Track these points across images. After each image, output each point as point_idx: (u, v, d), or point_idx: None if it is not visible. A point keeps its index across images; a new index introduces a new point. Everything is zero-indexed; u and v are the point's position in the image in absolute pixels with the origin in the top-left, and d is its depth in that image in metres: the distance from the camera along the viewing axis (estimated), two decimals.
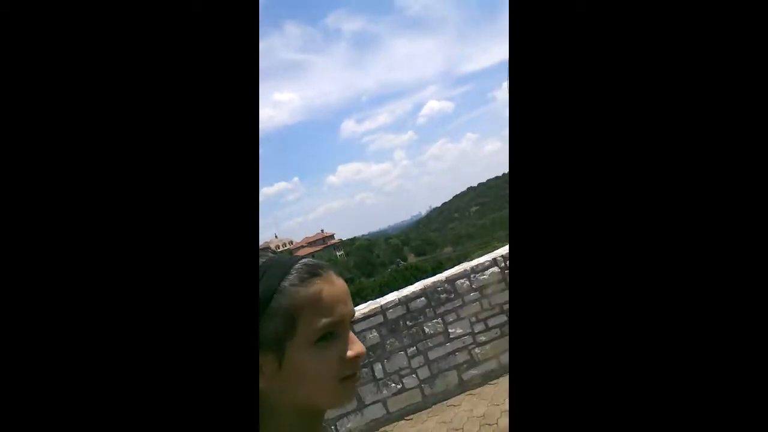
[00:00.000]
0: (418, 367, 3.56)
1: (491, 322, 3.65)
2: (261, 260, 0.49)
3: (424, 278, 4.02)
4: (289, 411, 0.49)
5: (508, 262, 3.58)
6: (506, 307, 3.62)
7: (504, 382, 3.53)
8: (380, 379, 3.50)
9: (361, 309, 3.66)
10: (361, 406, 3.47)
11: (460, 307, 3.65)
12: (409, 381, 3.54)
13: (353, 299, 0.56)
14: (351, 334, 0.53)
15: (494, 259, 3.66)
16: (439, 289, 3.67)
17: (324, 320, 0.50)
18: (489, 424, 3.03)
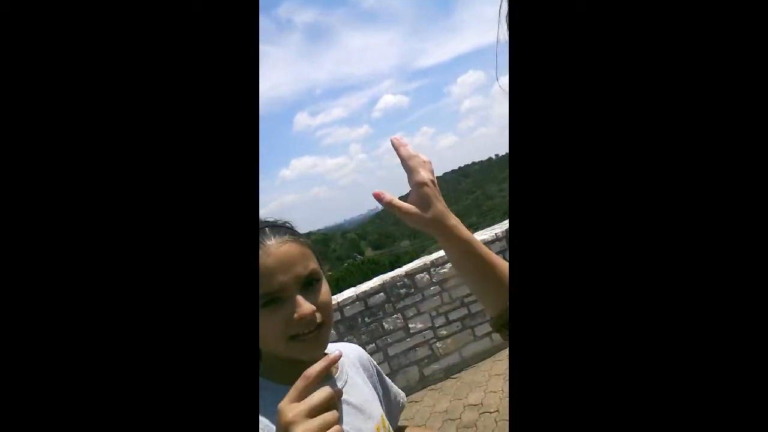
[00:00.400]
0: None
1: (452, 316, 3.59)
2: None
3: (382, 273, 3.91)
4: (269, 357, 0.62)
5: None
6: (467, 300, 3.57)
7: (466, 376, 3.50)
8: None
9: None
10: None
11: (421, 301, 3.57)
12: None
13: None
14: (298, 297, 0.58)
15: None
16: (398, 283, 3.57)
17: (261, 290, 0.57)
18: (452, 419, 2.97)
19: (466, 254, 0.59)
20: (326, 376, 0.51)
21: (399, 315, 3.56)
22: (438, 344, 3.58)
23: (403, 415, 0.86)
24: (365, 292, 3.55)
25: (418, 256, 4.29)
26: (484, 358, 3.57)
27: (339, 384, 0.66)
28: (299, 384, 0.48)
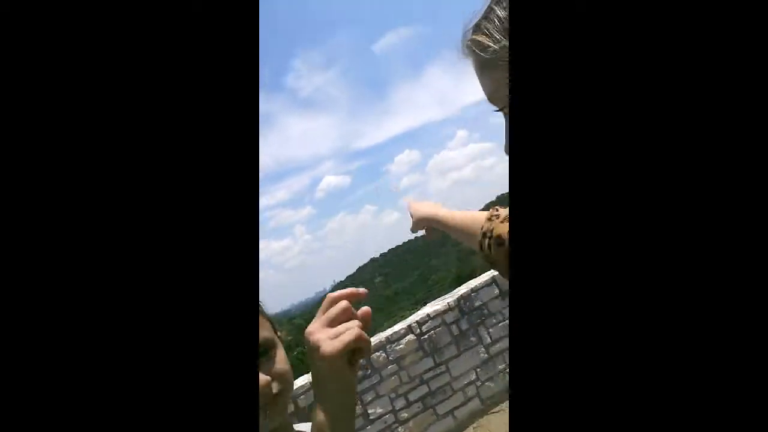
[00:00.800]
0: None
1: (412, 396, 3.42)
2: None
3: None
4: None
5: (423, 328, 3.52)
6: (425, 377, 3.44)
7: None
8: None
9: None
10: None
11: (378, 383, 3.39)
12: None
13: None
14: (279, 354, 0.59)
15: (409, 326, 3.51)
16: None
17: None
18: None
19: (449, 229, 0.84)
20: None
21: (357, 400, 3.34)
22: (400, 429, 3.35)
23: None
24: None
25: (371, 336, 4.14)
26: None
27: None
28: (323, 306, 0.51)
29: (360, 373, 3.36)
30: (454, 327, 3.54)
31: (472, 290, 3.60)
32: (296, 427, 0.67)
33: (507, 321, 3.56)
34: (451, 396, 3.45)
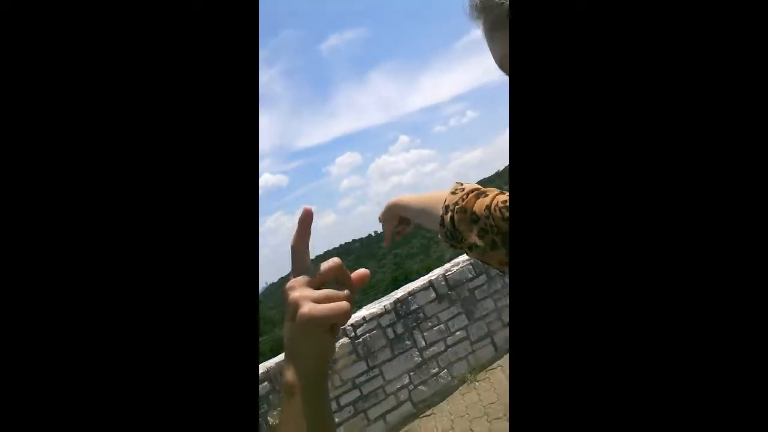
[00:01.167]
0: None
1: (343, 400, 3.33)
2: None
3: (262, 361, 3.55)
4: None
5: (357, 331, 3.45)
6: (358, 381, 3.36)
7: None
8: None
9: None
10: None
11: None
12: None
13: None
14: None
15: (343, 329, 3.42)
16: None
17: None
18: None
19: (410, 213, 0.79)
20: None
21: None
22: None
23: None
24: None
25: None
26: None
27: None
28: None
29: None
30: (389, 330, 3.50)
31: (409, 293, 3.58)
32: None
33: (442, 324, 3.57)
34: (383, 400, 3.40)
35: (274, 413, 3.16)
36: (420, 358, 3.52)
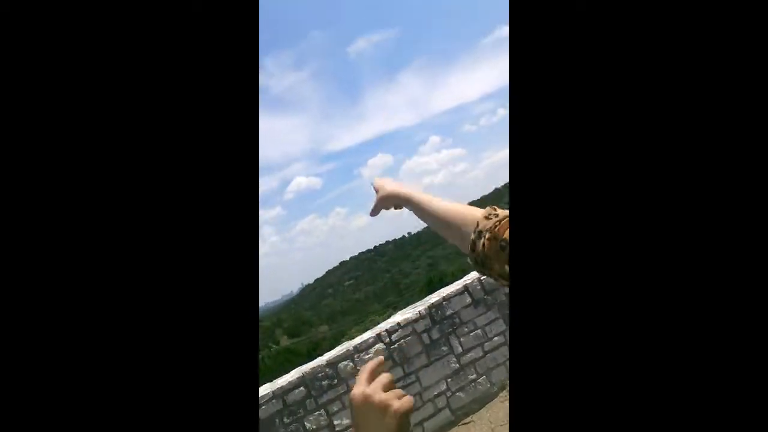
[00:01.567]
0: None
1: None
2: None
3: (300, 363, 3.56)
4: None
5: (392, 337, 3.41)
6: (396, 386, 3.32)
7: None
8: None
9: None
10: None
11: (345, 393, 3.25)
12: None
13: None
14: None
15: (378, 335, 3.39)
16: (319, 375, 3.24)
17: None
18: None
19: (424, 214, 0.77)
20: None
21: (322, 411, 3.19)
22: None
23: None
24: (282, 387, 3.17)
25: (338, 342, 4.02)
26: None
27: None
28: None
29: (325, 382, 3.22)
30: (424, 336, 3.44)
31: (444, 298, 3.51)
32: None
33: (478, 330, 3.48)
34: (420, 407, 3.35)
35: (311, 418, 3.16)
36: (457, 365, 3.44)
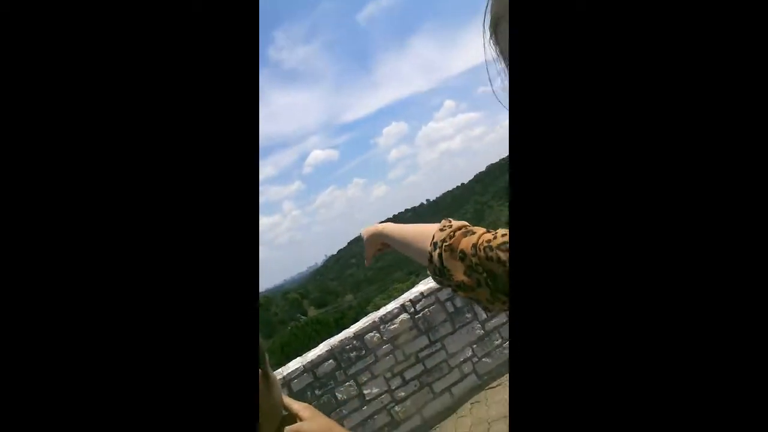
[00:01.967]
0: None
1: (408, 375, 3.37)
2: None
3: (327, 333, 3.65)
4: None
5: (416, 307, 3.45)
6: (421, 354, 3.38)
7: None
8: None
9: None
10: None
11: (373, 363, 3.33)
12: None
13: None
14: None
15: (402, 305, 3.43)
16: (347, 347, 3.32)
17: None
18: None
19: (395, 242, 0.83)
20: None
21: (352, 382, 3.28)
22: (397, 408, 3.32)
23: None
24: (312, 361, 3.26)
25: (363, 310, 4.08)
26: (447, 416, 3.35)
27: None
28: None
29: (353, 354, 3.30)
30: (448, 304, 3.47)
31: None
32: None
33: None
34: (447, 373, 3.41)
35: (341, 389, 3.25)
36: (482, 331, 3.48)
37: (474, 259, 0.61)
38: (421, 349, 3.39)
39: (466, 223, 0.69)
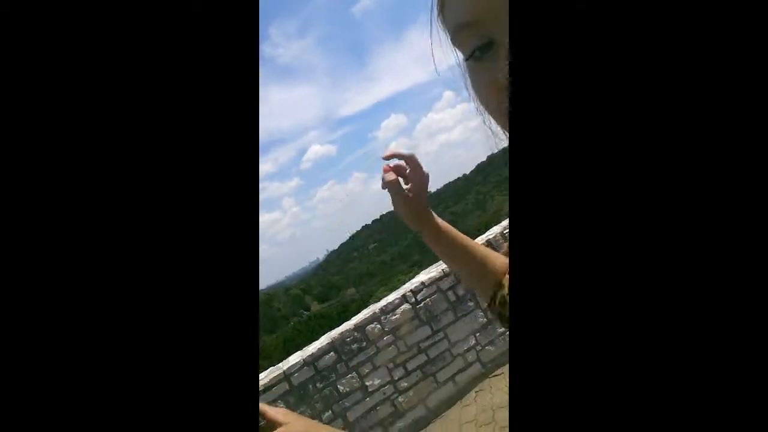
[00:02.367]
0: None
1: (410, 365, 3.33)
2: None
3: (331, 327, 3.62)
4: None
5: (418, 297, 3.41)
6: (423, 345, 3.34)
7: (434, 428, 3.22)
8: None
9: (262, 379, 3.12)
10: None
11: (375, 354, 3.29)
12: None
13: None
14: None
15: (404, 296, 3.39)
16: (348, 339, 3.28)
17: None
18: None
19: (450, 246, 0.70)
20: None
21: (354, 374, 3.25)
22: (400, 399, 3.28)
23: None
24: (313, 354, 3.22)
25: (367, 304, 4.06)
26: (450, 406, 3.32)
27: None
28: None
29: (355, 345, 3.26)
30: (450, 293, 3.43)
31: None
32: None
33: None
34: (451, 362, 3.37)
35: (344, 381, 3.22)
36: (484, 319, 3.44)
37: None
38: (424, 339, 3.35)
39: None
